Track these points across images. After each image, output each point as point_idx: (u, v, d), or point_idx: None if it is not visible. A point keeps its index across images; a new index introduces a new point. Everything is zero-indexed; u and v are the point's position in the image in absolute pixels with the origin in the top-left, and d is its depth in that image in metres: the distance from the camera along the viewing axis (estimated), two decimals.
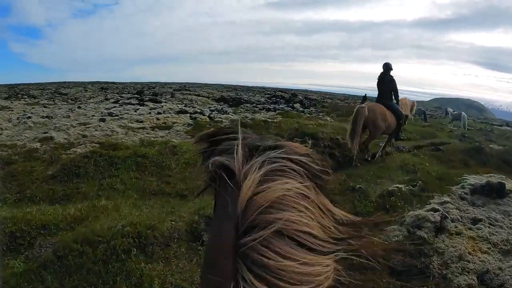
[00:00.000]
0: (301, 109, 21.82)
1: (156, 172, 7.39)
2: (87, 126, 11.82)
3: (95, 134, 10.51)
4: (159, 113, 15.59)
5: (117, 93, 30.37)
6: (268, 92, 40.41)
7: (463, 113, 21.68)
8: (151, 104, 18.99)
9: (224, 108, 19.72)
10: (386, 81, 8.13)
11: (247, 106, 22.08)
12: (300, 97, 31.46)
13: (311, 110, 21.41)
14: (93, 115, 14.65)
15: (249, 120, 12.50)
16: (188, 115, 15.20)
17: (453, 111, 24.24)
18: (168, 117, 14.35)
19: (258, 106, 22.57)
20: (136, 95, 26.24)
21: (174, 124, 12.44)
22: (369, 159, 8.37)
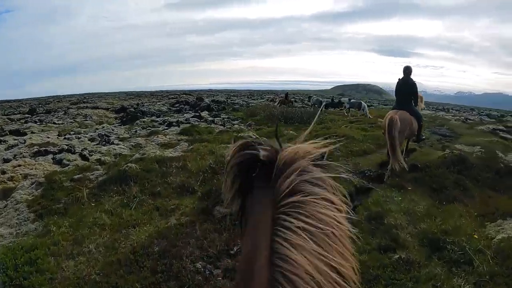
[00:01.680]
0: (210, 118, 17.98)
1: None
2: None
3: None
4: (6, 160, 10.11)
5: (5, 115, 25.00)
6: (173, 97, 39.12)
7: (362, 102, 19.95)
8: (11, 139, 13.13)
9: (112, 132, 14.75)
10: (409, 85, 7.82)
11: (143, 122, 17.62)
12: (207, 101, 28.16)
13: (223, 118, 17.78)
14: None
15: (134, 165, 7.49)
16: (51, 156, 10.20)
17: (350, 100, 22.55)
18: (20, 166, 9.17)
19: (157, 119, 18.28)
20: (27, 115, 23.19)
21: (16, 191, 7.40)
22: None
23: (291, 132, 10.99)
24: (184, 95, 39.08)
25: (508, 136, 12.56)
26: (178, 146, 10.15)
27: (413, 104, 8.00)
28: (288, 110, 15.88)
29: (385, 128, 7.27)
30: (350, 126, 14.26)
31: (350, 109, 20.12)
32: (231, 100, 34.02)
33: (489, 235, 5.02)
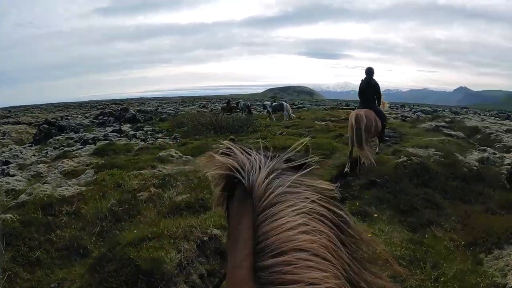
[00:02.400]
0: (131, 132, 15.51)
1: None
2: None
3: None
4: None
5: None
6: (102, 107, 36.92)
7: (284, 103, 19.01)
8: None
9: (18, 156, 11.64)
10: (371, 85, 7.88)
11: (58, 140, 14.59)
12: (133, 112, 25.35)
13: (146, 132, 15.43)
14: None
15: (10, 216, 4.84)
16: None
17: (272, 103, 21.23)
18: None
19: (74, 136, 15.46)
20: None
21: None
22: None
23: (220, 146, 9.19)
24: (114, 105, 37.26)
25: (452, 132, 12.02)
26: (83, 175, 7.82)
27: (377, 104, 8.01)
28: (218, 118, 14.06)
29: (351, 125, 7.14)
30: (287, 131, 12.81)
31: (274, 112, 18.79)
32: (162, 108, 31.75)
33: (495, 280, 3.61)
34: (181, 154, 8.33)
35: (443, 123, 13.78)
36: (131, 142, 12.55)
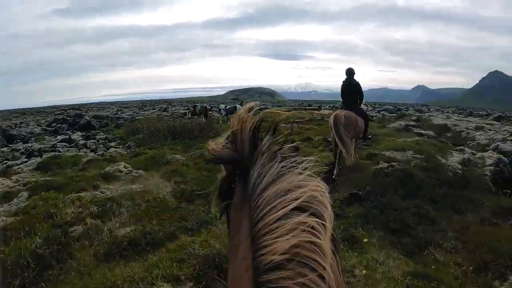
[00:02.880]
0: (82, 141, 14.05)
1: None
2: None
3: None
4: None
5: None
6: (60, 113, 34.63)
7: (238, 105, 18.30)
8: None
9: None
10: (352, 85, 7.72)
11: (2, 153, 13.11)
12: (87, 118, 23.69)
13: (98, 140, 14.04)
14: None
15: None
16: None
17: (226, 106, 20.47)
18: None
19: (21, 147, 13.90)
20: None
21: None
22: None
23: (177, 156, 8.13)
24: (72, 110, 34.34)
25: (423, 131, 11.67)
26: (15, 199, 6.46)
27: (359, 103, 7.96)
28: (176, 124, 12.86)
29: (331, 126, 7.02)
30: None
31: (228, 116, 17.66)
32: (121, 113, 30.05)
33: None
34: (131, 168, 7.15)
35: (412, 122, 13.45)
36: (79, 153, 11.25)
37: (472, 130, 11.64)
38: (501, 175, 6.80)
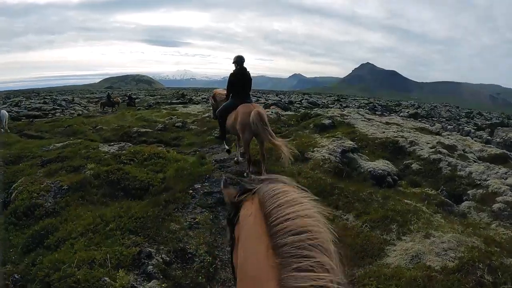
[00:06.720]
0: None
1: None
2: None
3: None
4: None
5: None
6: None
7: (3, 111, 14.41)
8: None
9: None
10: (246, 75, 7.17)
11: None
12: None
13: None
14: None
15: None
16: None
17: None
18: None
19: None
20: None
21: None
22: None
23: None
24: None
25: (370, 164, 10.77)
26: None
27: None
28: None
29: (254, 123, 6.22)
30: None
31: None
32: None
33: None
34: None
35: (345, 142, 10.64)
36: None
37: (454, 155, 8.25)
38: None
